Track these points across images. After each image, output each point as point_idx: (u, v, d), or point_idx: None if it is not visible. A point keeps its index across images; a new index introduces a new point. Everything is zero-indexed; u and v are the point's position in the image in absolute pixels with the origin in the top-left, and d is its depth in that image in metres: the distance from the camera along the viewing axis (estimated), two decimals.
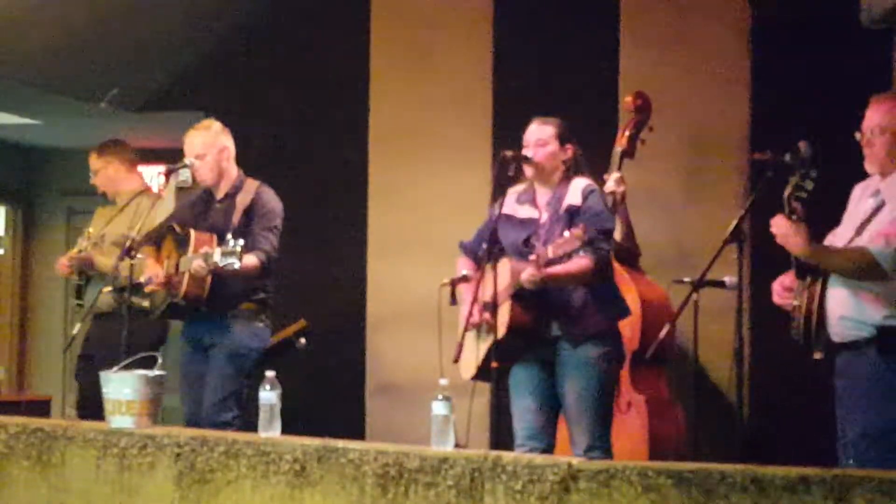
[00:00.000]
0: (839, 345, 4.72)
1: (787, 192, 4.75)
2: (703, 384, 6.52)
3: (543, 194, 5.52)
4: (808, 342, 4.75)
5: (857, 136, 4.77)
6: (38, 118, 9.37)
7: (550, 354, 5.40)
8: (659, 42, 7.31)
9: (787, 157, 4.79)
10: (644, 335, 6.25)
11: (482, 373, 5.45)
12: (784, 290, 4.88)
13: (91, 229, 7.16)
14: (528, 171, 5.50)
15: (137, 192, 7.09)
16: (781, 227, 4.69)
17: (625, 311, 5.54)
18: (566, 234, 5.08)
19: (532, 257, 5.20)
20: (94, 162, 7.24)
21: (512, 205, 5.54)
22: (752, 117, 7.08)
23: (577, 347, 5.34)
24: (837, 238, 4.88)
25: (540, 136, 5.50)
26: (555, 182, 5.50)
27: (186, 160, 6.36)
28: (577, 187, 5.44)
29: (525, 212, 5.52)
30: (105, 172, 7.17)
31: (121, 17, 7.81)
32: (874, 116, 4.75)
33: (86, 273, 7.04)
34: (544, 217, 5.46)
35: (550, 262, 5.14)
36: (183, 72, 8.56)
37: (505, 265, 5.29)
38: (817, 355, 4.79)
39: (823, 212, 4.87)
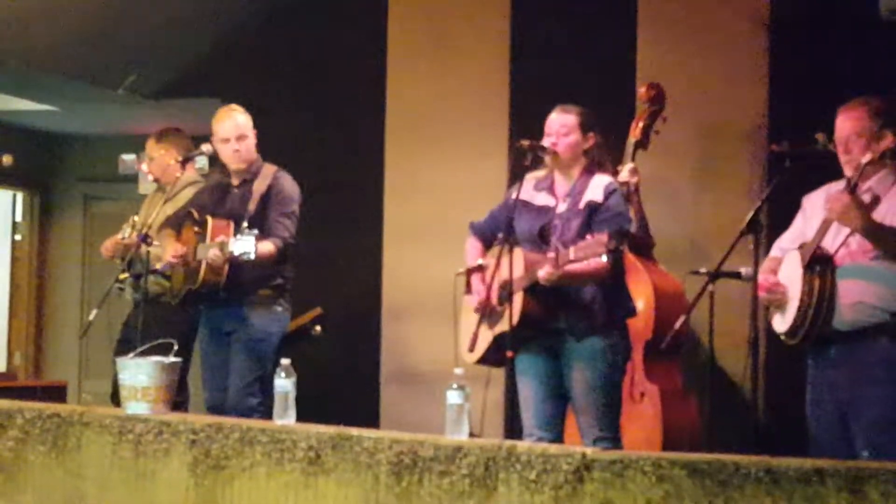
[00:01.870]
0: (842, 333, 4.73)
1: (865, 160, 4.74)
2: (717, 375, 6.51)
3: (563, 184, 5.50)
4: (811, 331, 4.75)
5: (831, 147, 4.86)
6: (55, 105, 9.40)
7: (557, 345, 5.40)
8: (676, 32, 7.29)
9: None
10: (658, 326, 6.24)
11: (488, 357, 5.45)
12: (773, 285, 4.89)
13: (137, 217, 7.10)
14: (548, 160, 5.48)
15: (189, 182, 6.96)
16: (844, 202, 4.68)
17: (632, 311, 5.53)
18: (589, 237, 5.04)
19: (551, 254, 5.18)
20: (152, 148, 7.15)
21: (529, 191, 5.51)
22: (770, 109, 7.05)
23: (582, 340, 5.34)
24: (785, 243, 4.99)
25: (562, 125, 5.45)
26: (575, 173, 5.48)
27: (203, 147, 6.37)
28: (600, 184, 5.40)
29: (542, 199, 5.50)
30: (162, 160, 7.05)
31: (138, 4, 7.83)
32: (846, 125, 4.84)
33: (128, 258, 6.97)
34: (562, 207, 5.44)
35: (570, 263, 5.13)
36: (200, 59, 8.57)
37: (519, 255, 5.28)
38: (791, 341, 4.82)
39: None
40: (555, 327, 5.36)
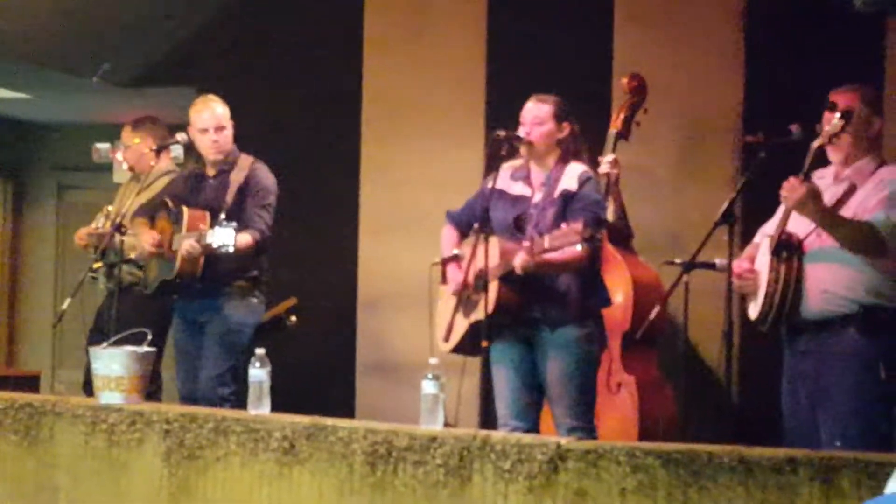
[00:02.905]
0: (811, 322, 4.75)
1: (815, 145, 4.76)
2: (693, 365, 6.52)
3: (538, 173, 5.50)
4: (778, 318, 4.77)
5: (817, 128, 4.85)
6: (28, 92, 9.34)
7: (531, 334, 5.40)
8: (653, 23, 7.29)
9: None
10: (635, 316, 6.25)
11: (463, 346, 5.45)
12: (746, 272, 4.90)
13: (111, 207, 7.07)
14: (524, 150, 5.48)
15: (163, 171, 6.92)
16: (795, 189, 4.68)
17: (606, 301, 5.54)
18: (564, 226, 5.05)
19: (526, 243, 5.18)
20: (128, 136, 7.12)
21: (506, 180, 5.51)
22: (746, 100, 7.06)
23: (556, 329, 5.33)
24: (768, 229, 4.98)
25: (537, 115, 5.46)
26: (551, 162, 5.48)
27: (179, 136, 6.35)
28: (574, 172, 5.41)
29: (518, 189, 5.50)
30: (137, 148, 7.02)
31: None
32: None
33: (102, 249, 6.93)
34: (537, 197, 5.45)
35: (545, 251, 5.13)
36: (174, 47, 8.53)
37: (494, 244, 5.28)
38: (762, 328, 4.84)
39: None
40: (530, 316, 5.35)
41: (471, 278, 5.36)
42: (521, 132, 5.44)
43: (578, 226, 4.94)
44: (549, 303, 5.34)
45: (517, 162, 5.55)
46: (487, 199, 5.37)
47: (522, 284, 5.29)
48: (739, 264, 4.95)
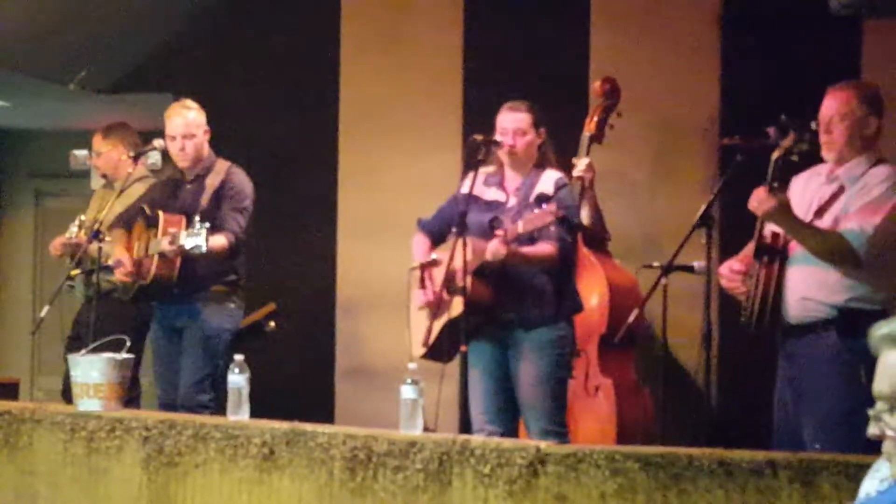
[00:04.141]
0: (794, 326, 4.75)
1: (774, 156, 4.76)
2: (671, 368, 6.53)
3: (513, 179, 5.52)
4: (760, 321, 4.77)
5: (814, 124, 4.82)
6: (5, 99, 9.30)
7: (505, 337, 5.40)
8: (630, 27, 7.31)
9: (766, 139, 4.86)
10: (612, 319, 6.26)
11: (433, 352, 5.44)
12: (734, 273, 4.90)
13: (84, 215, 7.04)
14: (504, 157, 5.48)
15: (139, 177, 6.91)
16: (763, 201, 4.67)
17: (579, 307, 5.56)
18: (536, 210, 5.08)
19: (499, 231, 5.18)
20: (99, 143, 7.10)
21: (479, 186, 5.52)
22: (722, 103, 7.09)
23: (530, 331, 5.35)
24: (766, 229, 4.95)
25: (518, 126, 5.46)
26: (527, 169, 5.50)
27: (156, 142, 6.33)
28: (550, 178, 5.44)
29: (492, 194, 5.52)
30: (109, 155, 6.99)
31: None
32: (832, 105, 4.80)
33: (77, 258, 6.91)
34: (512, 202, 5.46)
35: (519, 237, 5.12)
36: (152, 54, 8.51)
37: (469, 245, 5.28)
38: (749, 330, 4.84)
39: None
40: (505, 318, 5.36)
41: (445, 282, 5.36)
42: (504, 143, 5.44)
43: (552, 206, 4.98)
44: (525, 303, 5.34)
45: (490, 168, 5.56)
46: (464, 203, 5.37)
47: (495, 280, 5.28)
48: (729, 265, 4.94)
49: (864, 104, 4.79)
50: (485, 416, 5.42)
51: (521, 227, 5.09)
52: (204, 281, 6.14)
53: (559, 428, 5.35)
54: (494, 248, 5.16)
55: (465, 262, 5.18)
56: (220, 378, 5.86)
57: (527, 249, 5.22)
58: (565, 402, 5.45)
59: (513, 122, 5.47)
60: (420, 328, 5.43)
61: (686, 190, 6.94)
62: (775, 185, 4.73)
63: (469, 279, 5.24)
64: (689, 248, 5.10)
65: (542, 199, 5.35)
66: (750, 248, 5.01)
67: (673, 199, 7.02)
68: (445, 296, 5.34)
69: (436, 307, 5.39)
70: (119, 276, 6.21)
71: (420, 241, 5.65)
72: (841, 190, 4.78)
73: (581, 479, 4.14)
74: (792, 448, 4.48)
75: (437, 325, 5.40)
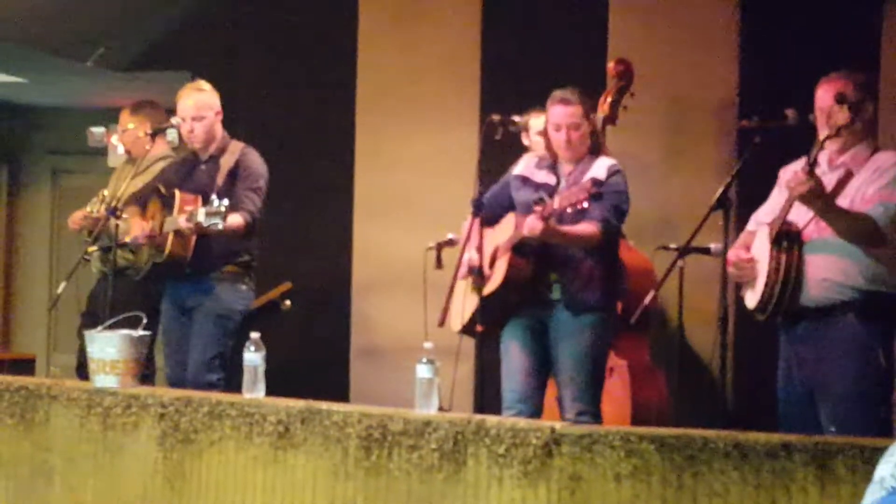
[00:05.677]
0: (810, 309, 4.74)
1: (821, 137, 4.74)
2: (686, 350, 6.53)
3: (566, 165, 5.49)
4: (778, 306, 4.76)
5: (811, 117, 4.83)
6: (23, 76, 9.32)
7: (546, 316, 5.39)
8: (648, 8, 7.28)
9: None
10: (627, 301, 6.24)
11: (468, 328, 5.44)
12: (743, 261, 4.88)
13: (105, 191, 7.05)
14: (560, 152, 5.43)
15: (159, 157, 6.89)
16: (803, 183, 4.64)
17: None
18: (573, 187, 5.07)
19: (538, 207, 5.15)
20: (126, 119, 7.11)
21: (531, 168, 5.51)
22: (740, 84, 7.06)
23: (575, 313, 5.33)
24: (762, 216, 4.96)
25: (572, 120, 5.40)
26: (581, 156, 5.46)
27: (174, 120, 6.33)
28: (603, 164, 5.40)
29: (542, 177, 5.49)
30: (134, 132, 7.02)
31: None
32: (828, 96, 4.80)
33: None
34: (563, 185, 5.41)
35: (556, 213, 5.10)
36: (169, 31, 8.51)
37: (509, 219, 5.26)
38: (761, 317, 4.83)
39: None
40: (547, 298, 5.34)
41: (474, 260, 5.35)
42: (560, 139, 5.39)
43: (587, 183, 4.94)
44: (570, 284, 5.33)
45: (542, 153, 5.52)
46: (518, 185, 5.38)
47: (535, 256, 5.27)
48: (736, 252, 4.93)
49: (860, 91, 4.80)
50: (516, 394, 5.40)
51: (556, 203, 5.04)
52: (217, 261, 6.14)
53: (595, 409, 5.35)
54: (531, 224, 5.13)
55: (480, 245, 5.17)
56: (230, 358, 5.89)
57: (567, 228, 5.19)
58: (602, 384, 5.44)
59: (566, 116, 5.40)
60: (459, 304, 5.42)
61: (701, 171, 6.93)
62: (814, 167, 4.72)
63: (507, 257, 5.22)
64: (704, 230, 5.09)
65: (595, 183, 5.29)
66: (745, 236, 5.00)
67: (688, 181, 7.01)
68: (487, 271, 5.33)
69: (465, 278, 5.37)
70: (140, 239, 6.19)
71: (470, 223, 5.53)
72: (849, 175, 4.78)
73: (596, 460, 4.14)
74: (798, 429, 4.48)
75: (472, 304, 5.39)
